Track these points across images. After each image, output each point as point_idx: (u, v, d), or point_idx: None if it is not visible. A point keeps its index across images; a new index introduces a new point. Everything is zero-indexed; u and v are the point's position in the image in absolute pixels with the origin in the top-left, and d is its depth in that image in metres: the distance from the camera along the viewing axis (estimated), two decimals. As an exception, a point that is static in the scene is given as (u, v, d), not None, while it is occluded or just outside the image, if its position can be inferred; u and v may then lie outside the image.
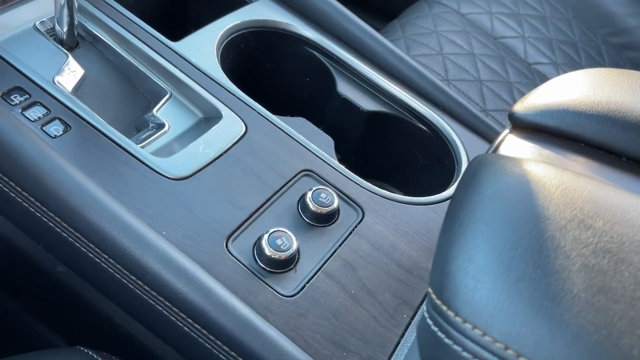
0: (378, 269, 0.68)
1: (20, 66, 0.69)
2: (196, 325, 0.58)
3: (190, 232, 0.63)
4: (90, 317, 0.70)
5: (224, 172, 0.70)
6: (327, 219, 0.70)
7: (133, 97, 0.78)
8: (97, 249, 0.61)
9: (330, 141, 0.81)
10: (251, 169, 0.71)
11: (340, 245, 0.69)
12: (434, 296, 0.41)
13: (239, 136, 0.74)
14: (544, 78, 1.21)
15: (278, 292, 0.62)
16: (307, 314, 0.62)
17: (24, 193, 0.62)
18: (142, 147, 0.70)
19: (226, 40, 0.87)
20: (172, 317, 0.59)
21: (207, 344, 0.59)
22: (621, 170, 0.58)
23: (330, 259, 0.67)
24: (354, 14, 0.94)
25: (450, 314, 0.39)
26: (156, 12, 0.98)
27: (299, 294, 0.63)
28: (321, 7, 0.93)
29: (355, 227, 0.71)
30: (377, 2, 1.55)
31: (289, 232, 0.65)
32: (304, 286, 0.64)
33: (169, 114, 0.75)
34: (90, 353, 0.58)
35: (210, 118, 0.76)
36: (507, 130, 0.65)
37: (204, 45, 0.83)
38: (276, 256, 0.63)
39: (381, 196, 0.75)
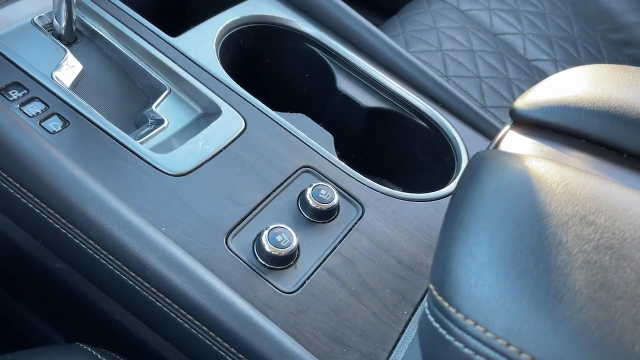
0: (378, 266, 0.68)
1: (18, 61, 0.69)
2: (196, 322, 0.58)
3: (190, 228, 0.63)
4: (89, 313, 0.70)
5: (223, 168, 0.70)
6: (327, 215, 0.70)
7: (132, 92, 0.78)
8: (96, 245, 0.60)
9: (330, 137, 0.81)
10: (251, 165, 0.71)
11: (340, 242, 0.69)
12: (435, 292, 0.41)
13: (239, 132, 0.74)
14: (543, 74, 1.21)
15: (278, 289, 0.62)
16: (307, 310, 0.62)
17: (22, 189, 0.62)
18: (141, 143, 0.69)
19: (225, 36, 0.87)
20: (171, 314, 0.59)
21: (207, 341, 0.58)
22: (622, 167, 0.58)
23: (330, 255, 0.67)
24: (354, 10, 0.94)
25: (452, 310, 0.39)
26: (155, 7, 0.98)
27: (299, 291, 0.63)
28: (321, 2, 0.92)
29: (355, 223, 0.71)
30: (376, -2, 1.55)
31: (289, 229, 0.65)
32: (304, 282, 0.64)
33: (168, 110, 0.75)
34: (90, 350, 0.58)
35: (210, 114, 0.76)
36: (508, 127, 0.65)
37: (203, 41, 0.83)
38: (276, 252, 0.63)
39: (381, 192, 0.75)
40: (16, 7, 0.75)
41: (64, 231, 0.61)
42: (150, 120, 0.74)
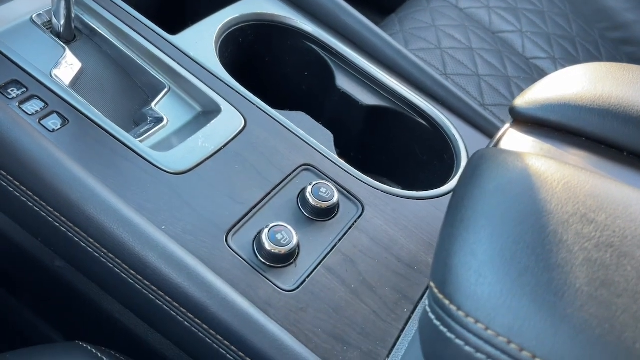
0: (378, 264, 0.68)
1: (17, 59, 0.69)
2: (196, 320, 0.58)
3: (190, 226, 0.63)
4: (89, 312, 0.70)
5: (223, 166, 0.70)
6: (327, 213, 0.70)
7: (131, 91, 0.78)
8: (96, 244, 0.60)
9: (329, 135, 0.81)
10: (251, 164, 0.71)
11: (340, 240, 0.69)
12: (436, 290, 0.41)
13: (238, 130, 0.74)
14: (542, 73, 1.21)
15: (278, 287, 0.62)
16: (307, 309, 0.62)
17: (22, 187, 0.62)
18: (140, 141, 0.69)
19: (225, 34, 0.87)
20: (172, 312, 0.59)
21: (207, 339, 0.58)
22: (622, 165, 0.58)
23: (330, 253, 0.67)
24: (353, 8, 0.94)
25: (453, 308, 0.39)
26: (154, 5, 0.98)
27: (299, 289, 0.63)
28: (320, 0, 0.92)
29: (355, 221, 0.71)
30: (375, -4, 1.55)
31: (289, 227, 0.65)
32: (304, 280, 0.64)
33: (168, 108, 0.75)
34: (89, 348, 0.58)
35: (209, 112, 0.76)
36: (507, 125, 0.65)
37: (202, 39, 0.83)
38: (276, 251, 0.63)
39: (381, 191, 0.75)
40: (15, 5, 0.75)
41: (64, 229, 0.61)
42: (149, 119, 0.74)
